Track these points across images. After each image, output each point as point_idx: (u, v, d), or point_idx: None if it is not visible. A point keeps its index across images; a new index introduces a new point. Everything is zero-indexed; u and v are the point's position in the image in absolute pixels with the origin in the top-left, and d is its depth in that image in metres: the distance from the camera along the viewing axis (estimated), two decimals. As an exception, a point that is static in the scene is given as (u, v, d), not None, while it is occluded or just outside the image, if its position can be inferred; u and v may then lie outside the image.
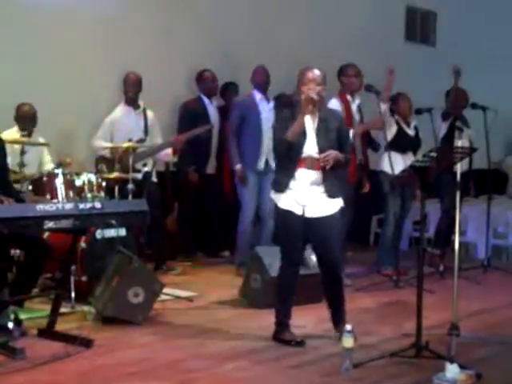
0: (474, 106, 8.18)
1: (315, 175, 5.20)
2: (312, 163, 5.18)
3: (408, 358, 4.79)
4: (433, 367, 4.58)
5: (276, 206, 5.29)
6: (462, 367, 4.45)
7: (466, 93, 8.47)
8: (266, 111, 7.79)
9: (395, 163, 7.19)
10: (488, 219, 8.47)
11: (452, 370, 4.40)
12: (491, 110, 8.13)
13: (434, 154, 4.83)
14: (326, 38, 10.02)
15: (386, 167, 7.66)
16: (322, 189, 5.21)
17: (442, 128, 8.21)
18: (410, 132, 8.10)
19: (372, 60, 9.97)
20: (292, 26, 9.72)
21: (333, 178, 5.24)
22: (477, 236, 9.50)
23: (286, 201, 5.20)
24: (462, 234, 8.84)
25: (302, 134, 5.16)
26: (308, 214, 5.20)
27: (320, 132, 5.21)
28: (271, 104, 7.94)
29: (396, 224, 7.92)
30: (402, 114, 8.08)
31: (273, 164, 7.40)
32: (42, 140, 6.93)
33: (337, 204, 5.27)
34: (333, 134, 5.25)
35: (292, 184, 5.18)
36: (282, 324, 5.32)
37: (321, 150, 5.16)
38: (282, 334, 5.29)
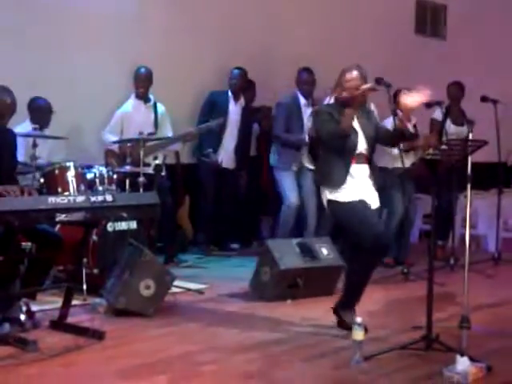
0: (485, 99, 8.16)
1: (366, 169, 5.29)
2: (361, 158, 5.27)
3: (418, 350, 4.80)
4: (443, 360, 4.58)
5: (337, 202, 5.23)
6: (472, 360, 4.45)
7: (462, 85, 8.58)
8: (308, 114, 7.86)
9: (394, 159, 7.34)
10: (498, 212, 8.46)
11: (462, 363, 4.39)
12: (502, 104, 8.12)
13: (444, 147, 4.83)
14: (336, 33, 10.00)
15: (386, 163, 7.67)
16: (371, 181, 5.33)
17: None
18: (411, 128, 8.07)
19: (382, 53, 9.98)
20: (303, 23, 9.70)
21: (375, 171, 5.38)
22: (487, 229, 9.50)
23: (350, 194, 5.21)
24: (472, 227, 8.83)
25: (354, 131, 5.21)
26: (372, 206, 5.30)
27: (365, 127, 5.31)
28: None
29: (401, 217, 7.92)
30: (403, 110, 8.00)
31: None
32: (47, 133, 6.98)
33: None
34: (372, 126, 5.39)
35: (349, 180, 5.21)
36: (353, 308, 5.36)
37: (368, 145, 5.29)
38: (344, 313, 5.35)
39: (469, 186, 5.24)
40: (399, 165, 7.41)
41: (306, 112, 7.93)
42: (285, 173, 8.07)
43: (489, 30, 11.98)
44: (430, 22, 11.81)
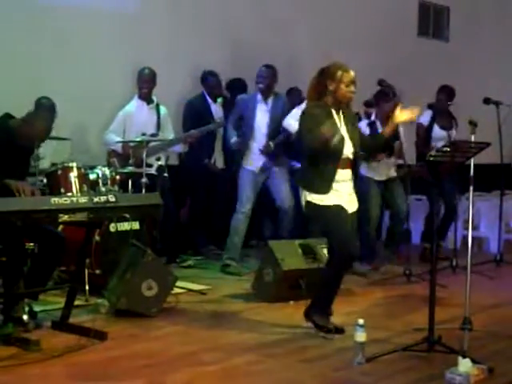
0: (488, 101, 8.16)
1: (349, 174, 5.29)
2: (346, 163, 5.26)
3: (420, 352, 4.80)
4: (445, 361, 4.58)
5: (317, 205, 5.22)
6: (474, 361, 4.44)
7: (452, 89, 8.61)
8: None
9: (378, 167, 7.66)
10: (500, 214, 8.46)
11: (464, 365, 4.39)
12: (504, 105, 8.12)
13: (447, 149, 4.84)
14: (338, 34, 10.00)
15: (368, 173, 7.74)
16: (352, 184, 5.33)
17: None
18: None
19: (385, 55, 9.99)
20: (304, 23, 9.71)
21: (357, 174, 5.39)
22: (489, 231, 9.50)
23: (331, 198, 5.20)
24: (474, 228, 8.84)
25: (341, 136, 5.19)
26: (349, 211, 5.29)
27: (351, 132, 5.30)
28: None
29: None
30: (383, 115, 8.00)
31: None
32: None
33: None
34: (356, 131, 5.41)
35: (333, 185, 5.21)
36: (325, 312, 5.35)
37: (354, 149, 5.28)
38: (322, 321, 5.33)
39: (471, 188, 5.25)
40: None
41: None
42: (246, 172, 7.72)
43: (491, 31, 11.99)
44: (432, 23, 11.80)
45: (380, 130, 7.92)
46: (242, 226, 7.56)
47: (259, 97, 7.58)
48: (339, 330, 5.31)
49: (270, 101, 7.58)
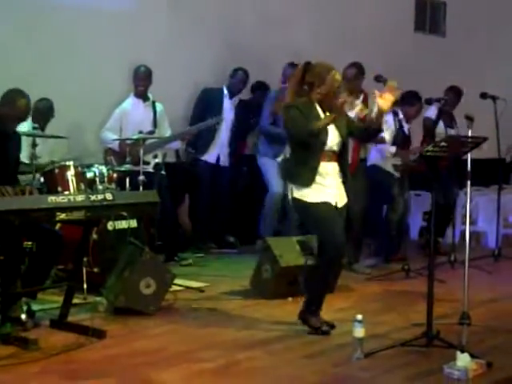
0: (484, 95, 8.16)
1: (336, 167, 5.24)
2: (331, 155, 5.22)
3: (419, 347, 4.80)
4: (444, 356, 4.59)
5: (302, 201, 5.19)
6: (472, 356, 4.45)
7: (461, 91, 8.69)
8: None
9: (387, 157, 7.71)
10: (498, 209, 8.47)
11: (463, 359, 4.40)
12: (501, 100, 8.12)
13: (444, 144, 4.84)
14: (335, 30, 10.00)
15: (378, 161, 7.78)
16: (340, 179, 5.28)
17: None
18: (406, 130, 8.09)
19: (381, 50, 9.98)
20: (303, 21, 9.69)
21: (345, 167, 5.31)
22: (487, 225, 9.50)
23: (317, 195, 5.16)
24: (472, 223, 8.84)
25: (325, 130, 5.17)
26: (338, 205, 5.25)
27: (337, 126, 5.24)
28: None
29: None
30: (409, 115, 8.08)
31: None
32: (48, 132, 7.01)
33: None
34: (343, 122, 5.31)
35: (318, 178, 5.16)
36: (314, 310, 5.33)
37: (340, 141, 5.24)
38: (311, 318, 5.31)
39: (468, 183, 5.26)
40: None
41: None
42: (269, 161, 8.08)
43: (488, 26, 11.98)
44: (429, 19, 11.79)
45: (405, 126, 7.99)
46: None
47: None
48: (330, 326, 5.32)
49: None
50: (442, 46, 11.52)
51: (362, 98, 7.50)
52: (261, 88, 8.90)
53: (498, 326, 5.57)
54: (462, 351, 4.45)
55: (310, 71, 5.23)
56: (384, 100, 5.08)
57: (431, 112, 8.57)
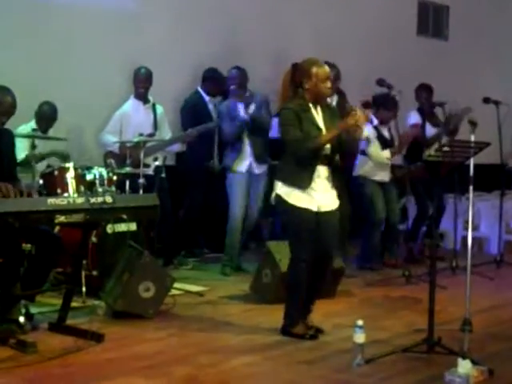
0: (487, 100, 8.14)
1: (326, 171, 5.20)
2: (323, 159, 5.18)
3: (420, 353, 4.78)
4: (445, 363, 4.56)
5: (285, 201, 5.17)
6: (474, 363, 4.42)
7: (430, 87, 8.68)
8: None
9: (375, 168, 7.82)
10: (501, 214, 8.44)
11: (464, 366, 4.37)
12: (504, 105, 8.10)
13: (446, 149, 4.81)
14: (338, 33, 9.98)
15: (365, 172, 7.81)
16: (330, 183, 5.24)
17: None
18: (386, 133, 8.08)
19: (384, 54, 9.96)
20: (305, 23, 9.68)
21: (335, 173, 5.29)
22: (489, 231, 9.47)
23: (300, 198, 5.13)
24: (474, 229, 8.83)
25: (319, 131, 5.15)
26: (321, 209, 5.19)
27: (329, 126, 5.21)
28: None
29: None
30: (384, 119, 8.06)
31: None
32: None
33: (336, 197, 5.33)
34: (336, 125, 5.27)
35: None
36: (295, 318, 5.28)
37: (332, 146, 5.19)
38: (293, 328, 5.26)
39: (471, 188, 5.22)
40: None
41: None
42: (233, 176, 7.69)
43: (491, 30, 11.97)
44: (432, 22, 11.77)
45: (385, 132, 7.98)
46: None
47: None
48: (319, 330, 5.29)
49: None
50: (444, 50, 11.51)
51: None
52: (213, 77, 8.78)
53: (500, 333, 5.55)
54: (464, 358, 4.42)
55: (297, 70, 5.22)
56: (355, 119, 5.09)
57: (414, 118, 8.54)
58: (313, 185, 5.15)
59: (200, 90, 8.30)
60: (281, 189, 5.21)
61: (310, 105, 5.20)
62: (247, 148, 7.49)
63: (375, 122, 7.94)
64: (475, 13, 11.76)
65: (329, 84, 5.19)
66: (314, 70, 5.14)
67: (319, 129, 5.18)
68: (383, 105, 7.87)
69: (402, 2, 11.00)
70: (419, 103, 8.62)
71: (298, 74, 5.20)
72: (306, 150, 5.11)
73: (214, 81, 8.27)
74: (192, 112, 8.14)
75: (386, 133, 8.06)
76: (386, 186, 8.04)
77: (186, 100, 8.27)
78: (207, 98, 8.27)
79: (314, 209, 5.17)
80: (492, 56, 11.95)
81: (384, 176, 8.00)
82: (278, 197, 5.23)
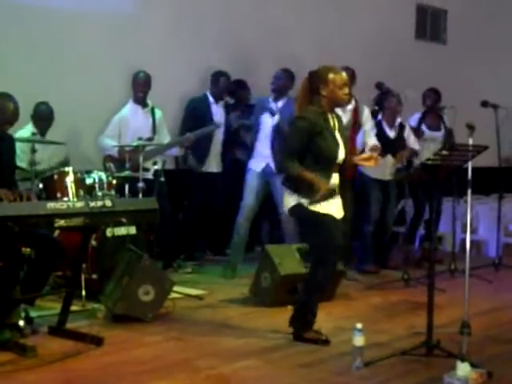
0: (485, 104, 8.15)
1: (337, 178, 5.23)
2: (336, 167, 5.21)
3: (419, 356, 4.79)
4: (444, 365, 4.57)
5: (307, 208, 5.13)
6: (473, 366, 4.44)
7: (438, 92, 8.73)
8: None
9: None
10: (499, 217, 8.45)
11: (463, 369, 4.38)
12: (502, 108, 8.11)
13: (445, 152, 4.82)
14: (337, 37, 9.99)
15: (365, 169, 7.80)
16: (337, 189, 5.26)
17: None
18: (390, 134, 8.10)
19: (383, 58, 9.98)
20: (304, 27, 9.69)
21: (343, 179, 5.32)
22: (488, 234, 9.48)
23: (321, 206, 5.12)
24: (473, 232, 8.83)
25: (336, 142, 5.16)
26: (337, 216, 5.22)
27: (343, 138, 5.25)
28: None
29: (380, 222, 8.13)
30: (388, 114, 8.09)
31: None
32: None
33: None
34: (346, 138, 5.37)
35: None
36: (311, 324, 5.28)
37: (346, 155, 5.24)
38: (306, 333, 5.25)
39: (469, 192, 5.23)
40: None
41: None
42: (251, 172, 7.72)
43: (488, 34, 11.98)
44: (430, 26, 11.79)
45: (387, 129, 8.00)
46: None
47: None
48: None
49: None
50: (442, 54, 11.53)
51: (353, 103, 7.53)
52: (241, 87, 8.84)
53: (499, 336, 5.56)
54: (463, 360, 4.43)
55: (314, 77, 5.20)
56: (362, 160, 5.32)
57: (413, 120, 8.61)
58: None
59: (207, 92, 8.34)
60: (299, 199, 5.15)
61: (329, 115, 5.20)
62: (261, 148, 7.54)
63: (379, 116, 8.01)
64: (473, 17, 11.78)
65: (346, 90, 5.18)
66: (331, 76, 5.12)
67: (337, 142, 5.17)
68: (384, 99, 8.00)
69: (400, 7, 11.01)
70: (425, 107, 8.67)
71: (315, 81, 5.17)
72: (287, 166, 5.14)
73: (215, 83, 8.31)
74: (192, 113, 8.18)
75: (391, 133, 8.07)
76: (386, 185, 8.04)
77: (190, 100, 8.33)
78: (212, 101, 8.29)
79: (334, 215, 5.19)
80: (490, 59, 11.96)
81: (384, 174, 7.99)
82: (297, 207, 5.18)
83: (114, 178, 6.66)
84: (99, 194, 6.38)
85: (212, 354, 4.97)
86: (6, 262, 5.06)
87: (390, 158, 7.96)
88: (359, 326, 4.67)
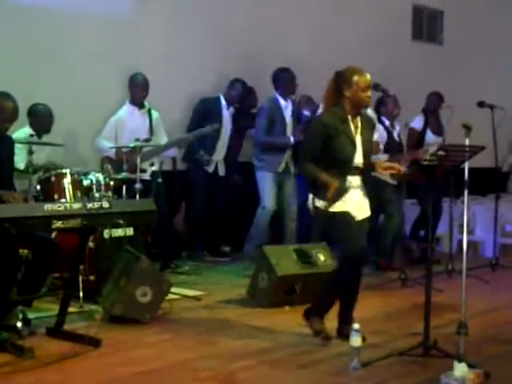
0: (482, 104, 8.16)
1: (358, 180, 5.21)
2: (355, 170, 5.19)
3: (416, 356, 4.78)
4: (441, 366, 4.56)
5: (325, 210, 5.12)
6: (470, 366, 4.44)
7: (441, 96, 8.75)
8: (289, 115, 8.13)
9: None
10: (496, 218, 8.46)
11: (460, 369, 4.38)
12: (498, 108, 8.12)
13: (442, 153, 4.82)
14: (334, 38, 10.01)
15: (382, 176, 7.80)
16: (363, 192, 5.25)
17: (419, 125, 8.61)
18: (396, 136, 8.14)
19: (379, 59, 9.98)
20: (302, 28, 9.70)
21: (367, 181, 5.32)
22: (485, 235, 9.49)
23: (340, 205, 5.11)
24: (469, 232, 8.86)
25: (353, 145, 5.15)
26: (358, 218, 5.21)
27: (365, 140, 5.23)
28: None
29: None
30: (389, 116, 8.11)
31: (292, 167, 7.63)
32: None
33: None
34: (372, 138, 5.38)
35: None
36: (323, 317, 5.32)
37: (364, 159, 5.21)
38: (320, 326, 5.29)
39: (466, 192, 5.23)
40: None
41: (287, 113, 8.15)
42: (266, 175, 8.07)
43: (485, 35, 12.00)
44: (426, 27, 11.81)
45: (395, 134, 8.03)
46: None
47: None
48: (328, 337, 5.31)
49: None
50: (439, 55, 11.55)
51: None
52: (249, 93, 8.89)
53: (496, 336, 5.56)
54: (460, 361, 4.43)
55: (339, 78, 5.20)
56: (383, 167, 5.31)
57: (417, 122, 8.60)
58: (347, 195, 5.15)
59: (221, 95, 8.41)
60: (318, 201, 5.17)
61: (349, 117, 5.17)
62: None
63: (387, 122, 8.02)
64: (469, 17, 11.80)
65: (369, 93, 5.17)
66: (356, 78, 5.11)
67: (354, 145, 5.15)
68: (383, 103, 8.05)
69: (397, 7, 11.03)
70: (427, 110, 8.67)
71: (340, 81, 5.17)
72: (303, 168, 5.23)
73: (232, 88, 8.45)
74: (202, 113, 8.30)
75: (396, 136, 8.11)
76: (393, 187, 8.03)
77: (201, 100, 8.44)
78: (224, 104, 8.34)
79: (354, 214, 5.18)
80: (486, 60, 11.98)
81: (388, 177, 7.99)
82: (318, 209, 5.19)
83: (111, 179, 6.66)
84: (96, 195, 6.39)
85: (210, 354, 4.97)
86: (3, 264, 5.06)
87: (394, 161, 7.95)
88: (356, 326, 4.67)
